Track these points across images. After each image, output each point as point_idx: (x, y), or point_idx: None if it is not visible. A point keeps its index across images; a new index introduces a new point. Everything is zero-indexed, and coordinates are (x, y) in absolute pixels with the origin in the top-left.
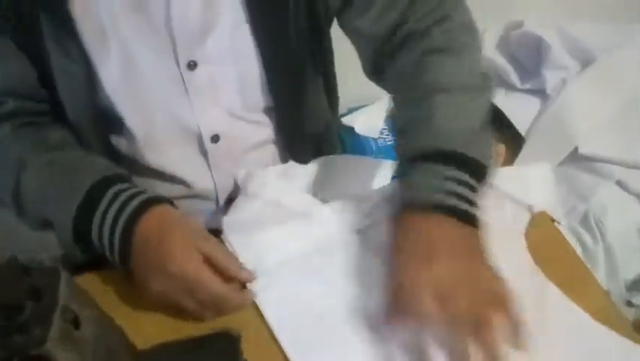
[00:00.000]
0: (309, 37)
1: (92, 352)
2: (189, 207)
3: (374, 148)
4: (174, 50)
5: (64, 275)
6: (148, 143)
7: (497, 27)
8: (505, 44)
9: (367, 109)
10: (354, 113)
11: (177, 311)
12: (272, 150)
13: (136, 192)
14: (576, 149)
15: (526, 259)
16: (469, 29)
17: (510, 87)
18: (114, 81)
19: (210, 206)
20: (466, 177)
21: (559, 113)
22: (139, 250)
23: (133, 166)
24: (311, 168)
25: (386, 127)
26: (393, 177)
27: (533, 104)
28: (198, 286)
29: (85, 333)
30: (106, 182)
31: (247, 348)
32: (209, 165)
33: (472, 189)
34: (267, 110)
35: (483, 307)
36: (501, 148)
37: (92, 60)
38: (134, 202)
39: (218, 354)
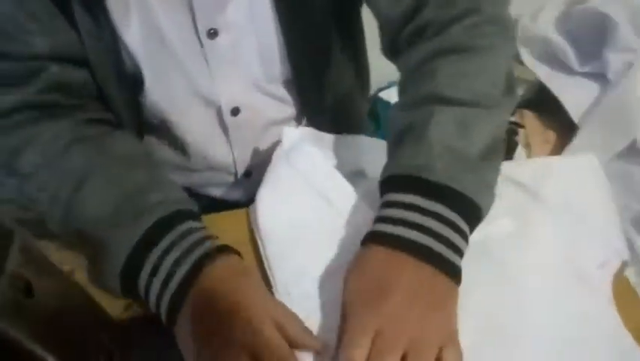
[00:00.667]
0: (334, 8)
1: (52, 325)
2: (208, 178)
3: None
4: (194, 18)
5: (19, 239)
6: (169, 112)
7: (557, 2)
8: (565, 21)
9: None
10: (393, 88)
11: None
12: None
13: (207, 235)
14: (635, 141)
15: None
16: (500, 25)
17: (567, 70)
18: (137, 49)
19: (229, 178)
20: (452, 216)
21: (619, 101)
22: (203, 294)
23: (154, 135)
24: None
25: None
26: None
27: (592, 89)
28: (267, 350)
29: (41, 303)
30: (178, 216)
31: None
32: (228, 138)
33: (458, 231)
34: (288, 83)
35: None
36: (550, 135)
37: (116, 26)
38: (207, 244)
39: None
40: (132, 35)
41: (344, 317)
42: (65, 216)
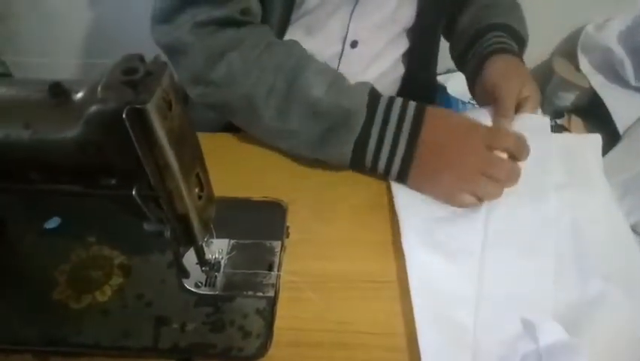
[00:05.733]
0: None
1: (178, 137)
2: None
3: (460, 108)
4: None
5: (169, 70)
6: (303, 26)
7: (625, 17)
8: (629, 35)
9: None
10: (451, 74)
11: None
12: (394, 78)
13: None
14: None
15: None
16: None
17: (622, 82)
18: None
19: None
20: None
21: None
22: (436, 123)
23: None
24: None
25: None
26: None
27: None
28: (503, 133)
29: (174, 119)
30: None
31: (291, 218)
32: (337, 67)
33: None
34: (407, 32)
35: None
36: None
37: None
38: (412, 104)
39: (266, 216)
40: None
41: (503, 83)
42: (284, 101)
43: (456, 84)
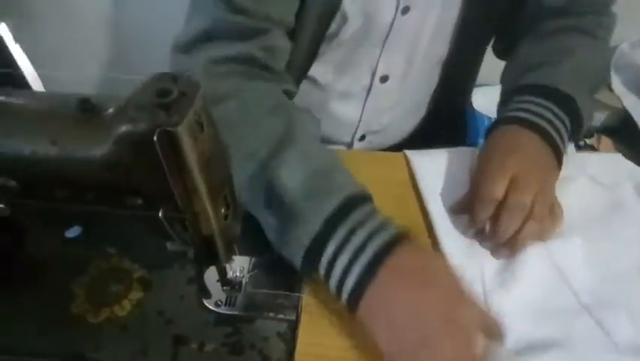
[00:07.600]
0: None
1: (208, 160)
2: (325, 139)
3: (486, 123)
4: None
5: (201, 92)
6: (332, 60)
7: None
8: None
9: (492, 88)
10: (478, 89)
11: None
12: (424, 112)
13: (389, 219)
14: None
15: None
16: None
17: None
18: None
19: (345, 138)
20: (561, 115)
21: None
22: (398, 267)
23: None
24: None
25: None
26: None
27: None
28: (468, 333)
29: (205, 141)
30: (363, 196)
31: None
32: (365, 101)
33: (565, 126)
34: (442, 66)
35: (543, 210)
36: None
37: None
38: (391, 230)
39: None
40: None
41: (483, 164)
42: (259, 173)
43: (482, 99)
